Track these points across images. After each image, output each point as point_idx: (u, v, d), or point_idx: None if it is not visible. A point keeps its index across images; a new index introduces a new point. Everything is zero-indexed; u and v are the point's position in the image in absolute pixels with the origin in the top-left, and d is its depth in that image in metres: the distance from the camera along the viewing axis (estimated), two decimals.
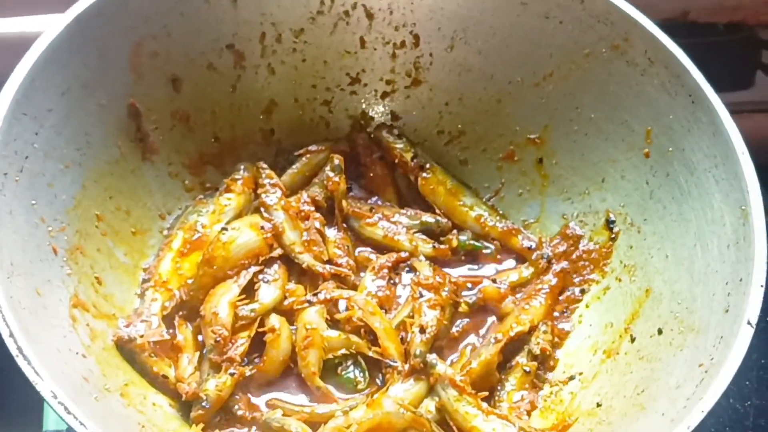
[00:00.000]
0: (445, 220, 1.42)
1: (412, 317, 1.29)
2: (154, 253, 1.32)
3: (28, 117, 1.12)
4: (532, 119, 1.42)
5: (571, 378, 1.26)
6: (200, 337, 1.25)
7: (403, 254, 1.38)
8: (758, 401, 1.43)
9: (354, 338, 1.25)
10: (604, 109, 1.34)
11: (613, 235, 1.34)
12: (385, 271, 1.35)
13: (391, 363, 1.24)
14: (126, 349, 1.19)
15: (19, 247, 1.06)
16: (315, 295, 1.28)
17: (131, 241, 1.29)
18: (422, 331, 1.26)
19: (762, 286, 1.05)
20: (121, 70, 1.26)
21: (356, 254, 1.39)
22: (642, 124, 1.29)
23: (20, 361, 0.93)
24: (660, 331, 1.19)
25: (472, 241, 1.41)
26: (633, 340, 1.23)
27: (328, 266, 1.32)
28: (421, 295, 1.31)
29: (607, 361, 1.24)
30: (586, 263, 1.36)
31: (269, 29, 1.37)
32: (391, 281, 1.35)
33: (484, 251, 1.41)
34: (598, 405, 1.18)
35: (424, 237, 1.41)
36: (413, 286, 1.33)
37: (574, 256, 1.37)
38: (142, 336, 1.19)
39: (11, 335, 0.94)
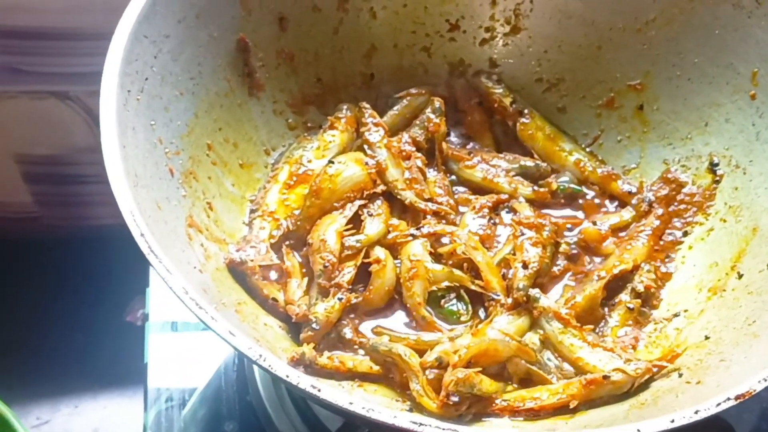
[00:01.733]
0: (544, 164, 1.42)
1: (514, 254, 1.29)
2: (260, 186, 1.34)
3: (148, 40, 1.14)
4: (634, 65, 1.41)
5: (676, 315, 1.26)
6: (305, 267, 1.26)
7: (503, 196, 1.38)
8: None
9: (457, 272, 1.26)
10: (709, 53, 1.33)
11: (717, 178, 1.33)
12: (486, 210, 1.35)
13: (494, 296, 1.24)
14: (237, 272, 1.20)
15: (141, 161, 1.09)
16: (419, 229, 1.29)
17: (239, 173, 1.31)
18: (525, 266, 1.26)
19: None
20: (232, 3, 1.29)
21: (456, 195, 1.39)
22: (748, 66, 1.29)
23: (152, 258, 0.95)
24: None
25: (572, 185, 1.41)
26: (740, 276, 1.22)
27: (429, 204, 1.33)
28: (523, 234, 1.31)
29: (714, 298, 1.24)
30: (689, 206, 1.36)
31: None
32: (492, 221, 1.35)
33: (585, 195, 1.41)
34: (707, 338, 1.18)
35: (523, 180, 1.41)
36: (514, 225, 1.33)
37: (676, 200, 1.37)
38: (252, 260, 1.21)
39: (142, 235, 0.96)
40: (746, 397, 0.92)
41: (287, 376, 0.90)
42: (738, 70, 1.30)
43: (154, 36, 1.15)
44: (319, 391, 0.89)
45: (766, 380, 0.93)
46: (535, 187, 1.40)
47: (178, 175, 1.17)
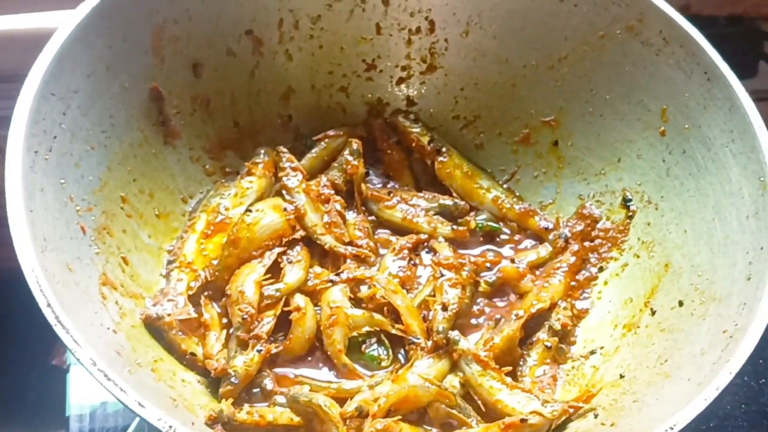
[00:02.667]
0: (462, 203, 1.44)
1: (434, 296, 1.30)
2: (178, 235, 1.33)
3: (56, 97, 1.13)
4: (548, 102, 1.44)
5: (593, 352, 1.28)
6: (225, 319, 1.26)
7: (423, 236, 1.39)
8: None
9: (377, 316, 1.27)
10: (620, 89, 1.36)
11: (631, 213, 1.36)
12: (406, 251, 1.36)
13: (415, 340, 1.25)
14: (154, 328, 1.19)
15: (50, 223, 1.07)
16: (338, 274, 1.29)
17: (155, 223, 1.30)
18: (444, 308, 1.27)
19: None
20: (143, 53, 1.28)
21: (376, 236, 1.40)
22: (658, 103, 1.31)
23: (59, 329, 0.94)
24: (681, 303, 1.20)
25: (490, 222, 1.42)
26: (653, 313, 1.24)
27: (349, 248, 1.33)
28: (442, 275, 1.32)
29: (628, 335, 1.26)
30: (604, 242, 1.38)
31: (287, 15, 1.39)
32: (412, 262, 1.36)
33: (502, 233, 1.43)
34: (621, 376, 1.20)
35: (442, 219, 1.42)
36: (434, 266, 1.34)
37: (591, 235, 1.39)
38: (169, 315, 1.20)
39: (48, 305, 0.95)
40: None
41: None
42: (648, 107, 1.33)
43: (62, 92, 1.14)
44: None
45: (672, 429, 0.95)
46: (454, 226, 1.41)
47: (91, 232, 1.16)
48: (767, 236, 1.10)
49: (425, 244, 1.39)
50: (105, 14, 1.18)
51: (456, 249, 1.38)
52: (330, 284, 1.28)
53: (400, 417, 1.15)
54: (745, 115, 1.18)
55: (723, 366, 1.00)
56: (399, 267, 1.34)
